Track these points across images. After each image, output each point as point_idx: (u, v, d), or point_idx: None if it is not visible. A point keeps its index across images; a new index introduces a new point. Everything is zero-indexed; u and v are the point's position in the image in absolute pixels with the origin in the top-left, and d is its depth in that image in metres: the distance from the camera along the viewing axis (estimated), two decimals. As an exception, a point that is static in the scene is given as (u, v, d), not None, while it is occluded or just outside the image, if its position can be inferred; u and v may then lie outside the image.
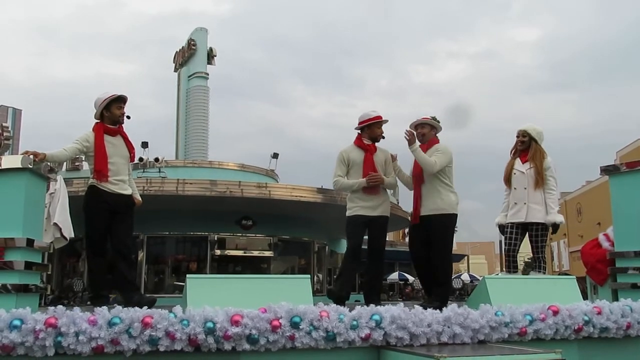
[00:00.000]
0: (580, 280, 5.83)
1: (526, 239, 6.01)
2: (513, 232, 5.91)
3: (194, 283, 4.04)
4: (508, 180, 6.01)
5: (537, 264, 5.87)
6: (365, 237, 5.61)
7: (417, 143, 5.46)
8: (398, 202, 20.49)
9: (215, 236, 19.51)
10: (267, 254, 20.27)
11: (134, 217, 5.32)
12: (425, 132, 5.65)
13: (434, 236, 5.43)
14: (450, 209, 5.48)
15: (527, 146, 6.00)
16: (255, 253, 20.22)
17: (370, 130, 5.63)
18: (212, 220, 18.60)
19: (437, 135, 5.73)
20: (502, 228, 6.06)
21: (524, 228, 5.91)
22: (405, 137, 5.44)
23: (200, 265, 19.53)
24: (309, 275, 4.36)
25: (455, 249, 12.67)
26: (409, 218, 5.81)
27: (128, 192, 5.30)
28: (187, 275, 4.08)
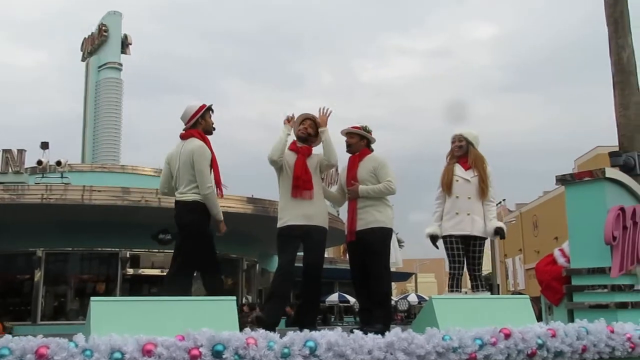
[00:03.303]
0: (535, 300, 6.03)
1: None
2: (454, 247, 5.99)
3: (100, 307, 3.94)
4: (449, 187, 6.08)
5: (477, 282, 6.02)
6: (300, 253, 5.64)
7: (362, 187, 5.68)
8: (338, 214, 20.69)
9: (128, 253, 19.19)
10: (189, 272, 20.03)
11: None
12: (353, 142, 5.92)
13: (371, 251, 5.60)
14: (389, 222, 5.73)
15: (465, 151, 6.14)
16: (175, 272, 19.94)
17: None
18: (123, 234, 18.24)
19: (370, 145, 5.96)
20: (435, 239, 6.12)
21: (463, 242, 5.99)
22: (350, 195, 5.79)
23: (109, 286, 19.15)
24: (234, 297, 4.34)
25: (400, 266, 12.84)
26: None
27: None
28: (92, 298, 3.98)
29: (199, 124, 5.58)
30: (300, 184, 5.59)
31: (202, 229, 5.43)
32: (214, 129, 5.68)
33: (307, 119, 5.85)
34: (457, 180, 6.04)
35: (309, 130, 5.79)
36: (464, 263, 6.02)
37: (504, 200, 54.00)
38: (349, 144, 5.94)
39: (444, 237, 6.04)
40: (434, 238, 6.11)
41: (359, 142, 5.92)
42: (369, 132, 5.97)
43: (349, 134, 5.94)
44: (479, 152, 6.18)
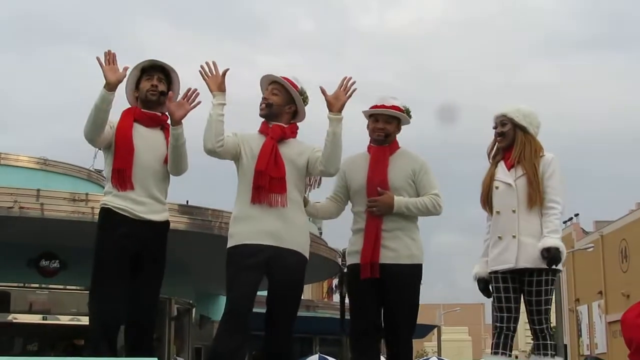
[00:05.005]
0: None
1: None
2: (501, 287, 5.92)
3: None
4: (487, 199, 6.12)
5: (539, 341, 5.86)
6: (262, 292, 5.58)
7: (399, 198, 5.73)
8: (321, 233, 20.71)
9: (-9, 288, 19.15)
10: (86, 320, 20.06)
11: None
12: (391, 131, 5.95)
13: (402, 297, 5.79)
14: (422, 257, 5.92)
15: (510, 140, 6.06)
16: (65, 319, 19.96)
17: None
18: (-15, 259, 18.21)
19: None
20: (484, 284, 6.14)
21: (516, 280, 5.91)
22: (375, 208, 5.78)
23: (-39, 340, 19.06)
24: (155, 358, 4.29)
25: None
26: (342, 264, 5.97)
27: (162, 216, 5.90)
28: None
29: (137, 99, 5.87)
30: (265, 184, 5.50)
31: (96, 244, 5.84)
32: (152, 93, 5.79)
33: (273, 82, 5.77)
34: (496, 188, 6.03)
35: (270, 99, 5.69)
36: (515, 312, 5.94)
37: (576, 215, 54.62)
38: (385, 133, 5.92)
39: (490, 276, 6.03)
40: (482, 282, 6.14)
41: (395, 130, 5.99)
42: (410, 115, 6.02)
43: (384, 116, 5.91)
44: (534, 139, 6.08)
